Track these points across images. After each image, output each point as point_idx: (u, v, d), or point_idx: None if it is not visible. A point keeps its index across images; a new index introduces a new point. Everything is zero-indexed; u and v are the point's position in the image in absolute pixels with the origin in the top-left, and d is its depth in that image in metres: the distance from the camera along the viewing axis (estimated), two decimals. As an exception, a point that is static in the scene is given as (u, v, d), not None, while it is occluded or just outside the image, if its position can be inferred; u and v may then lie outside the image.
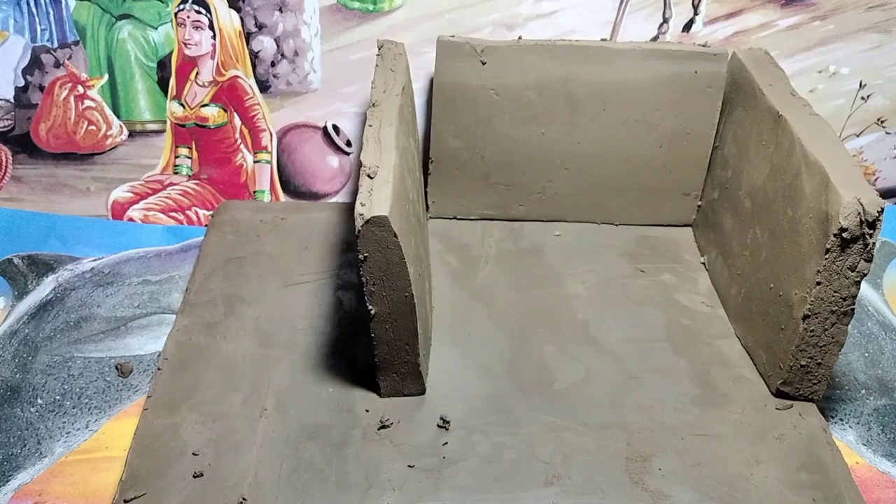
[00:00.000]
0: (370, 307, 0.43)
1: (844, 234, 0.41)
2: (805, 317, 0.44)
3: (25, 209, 0.68)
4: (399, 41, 0.57)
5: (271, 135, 0.66)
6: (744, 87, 0.55)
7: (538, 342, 0.51)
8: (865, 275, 0.42)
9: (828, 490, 0.42)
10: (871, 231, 0.41)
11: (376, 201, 0.40)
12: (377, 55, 0.55)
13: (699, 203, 0.61)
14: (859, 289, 0.43)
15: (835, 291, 0.43)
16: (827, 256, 0.42)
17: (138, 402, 0.51)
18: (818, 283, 0.43)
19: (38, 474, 0.47)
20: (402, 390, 0.47)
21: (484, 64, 0.57)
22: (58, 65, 0.63)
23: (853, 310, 0.43)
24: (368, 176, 0.42)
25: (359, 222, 0.39)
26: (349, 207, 0.66)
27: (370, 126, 0.46)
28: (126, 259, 0.63)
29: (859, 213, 0.40)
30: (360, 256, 0.41)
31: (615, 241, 0.61)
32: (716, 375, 0.49)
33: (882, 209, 0.40)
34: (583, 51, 0.57)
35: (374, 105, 0.48)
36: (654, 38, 0.64)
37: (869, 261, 0.42)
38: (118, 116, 0.65)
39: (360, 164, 0.43)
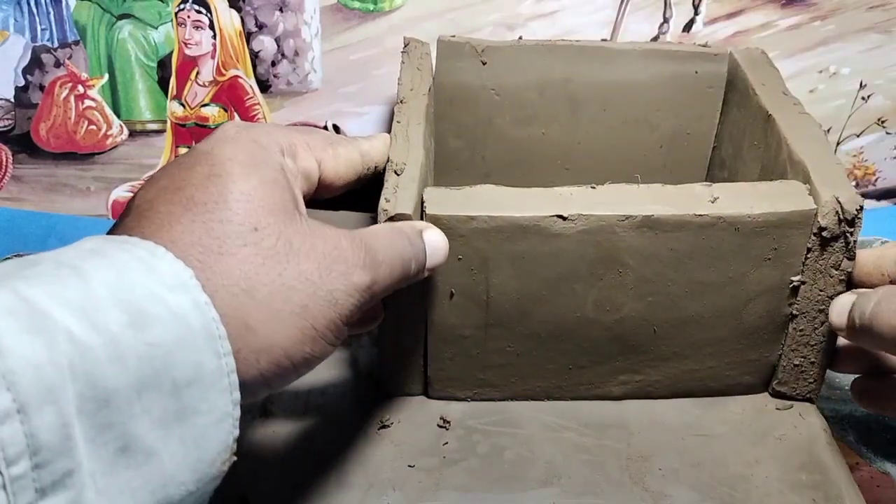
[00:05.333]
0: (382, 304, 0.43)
1: (824, 234, 0.41)
2: (793, 316, 0.44)
3: (25, 209, 0.68)
4: (425, 41, 0.57)
5: (271, 135, 0.66)
6: (739, 86, 0.55)
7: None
8: (850, 273, 0.42)
9: (828, 490, 0.42)
10: (852, 229, 0.41)
11: (402, 199, 0.40)
12: (403, 52, 0.55)
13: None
14: (846, 287, 0.43)
15: (820, 290, 0.43)
16: (809, 255, 0.42)
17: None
18: (803, 283, 0.43)
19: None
20: (402, 389, 0.47)
21: (484, 64, 0.57)
22: (58, 64, 0.63)
23: None
24: (395, 172, 0.42)
25: (382, 217, 0.40)
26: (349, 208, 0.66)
27: (398, 122, 0.46)
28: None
29: (837, 212, 0.40)
30: None
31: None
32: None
33: (861, 207, 0.41)
34: (583, 51, 0.57)
35: (401, 102, 0.49)
36: (655, 38, 0.64)
37: (852, 259, 0.42)
38: (118, 116, 0.65)
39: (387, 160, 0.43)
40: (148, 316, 0.26)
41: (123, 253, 0.27)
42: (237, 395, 0.29)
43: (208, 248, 0.30)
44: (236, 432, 0.29)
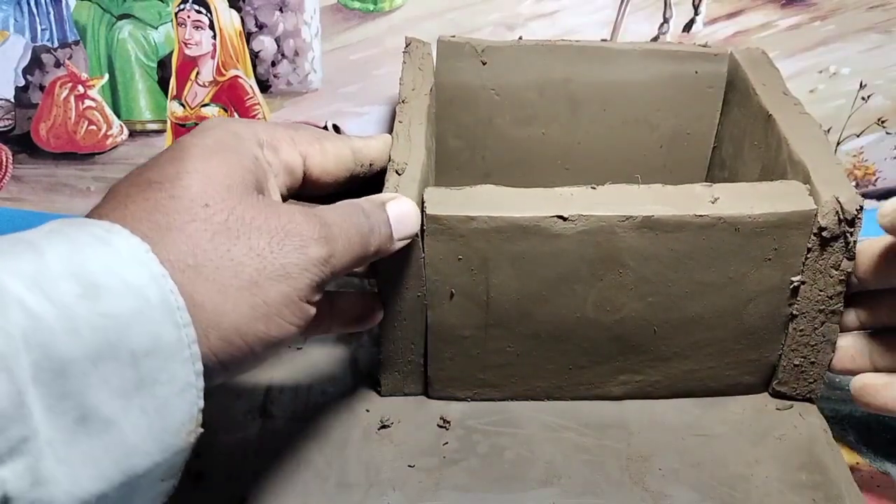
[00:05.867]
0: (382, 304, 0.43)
1: (824, 234, 0.41)
2: (793, 317, 0.44)
3: (25, 209, 0.68)
4: (426, 41, 0.57)
5: (271, 135, 0.66)
6: (739, 86, 0.55)
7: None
8: (850, 273, 0.42)
9: (828, 490, 0.42)
10: (852, 229, 0.41)
11: None
12: (404, 52, 0.55)
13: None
14: (846, 287, 0.43)
15: (820, 290, 0.43)
16: (809, 255, 0.42)
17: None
18: (803, 283, 0.43)
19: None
20: (402, 389, 0.47)
21: (484, 64, 0.57)
22: (58, 64, 0.63)
23: (842, 308, 0.43)
24: (396, 172, 0.42)
25: None
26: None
27: (400, 122, 0.46)
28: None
29: (837, 212, 0.40)
30: None
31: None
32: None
33: (861, 207, 0.41)
34: (583, 51, 0.57)
35: (403, 101, 0.49)
36: (655, 38, 0.64)
37: (851, 259, 0.42)
38: (118, 116, 0.65)
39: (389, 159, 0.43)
40: (102, 287, 0.26)
41: (79, 231, 0.28)
42: (199, 365, 0.28)
43: (157, 224, 0.29)
44: (201, 403, 0.29)
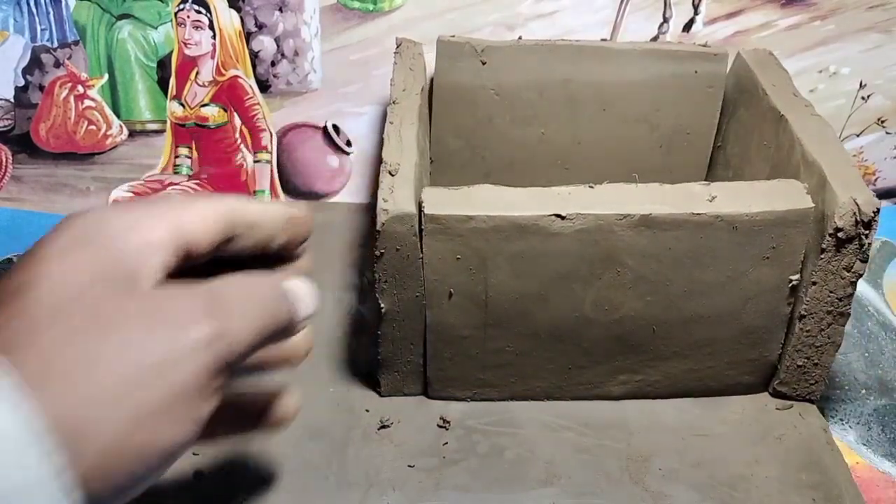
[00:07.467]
0: (381, 304, 0.43)
1: (840, 234, 0.41)
2: (801, 317, 0.44)
3: (25, 209, 0.68)
4: (423, 41, 0.57)
5: (271, 135, 0.66)
6: (747, 87, 0.55)
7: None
8: (861, 275, 0.42)
9: (828, 490, 0.42)
10: (867, 231, 0.41)
11: (399, 199, 0.41)
12: (395, 52, 0.55)
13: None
14: (855, 289, 0.43)
15: (830, 292, 0.43)
16: (822, 256, 0.42)
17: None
18: (814, 283, 0.43)
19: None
20: (402, 389, 0.47)
21: (484, 64, 0.57)
22: (58, 64, 0.63)
23: (849, 310, 0.43)
24: (390, 173, 0.42)
25: (382, 218, 0.40)
26: (349, 208, 0.67)
27: (391, 123, 0.46)
28: (126, 259, 0.63)
29: (854, 213, 0.40)
30: (377, 253, 0.41)
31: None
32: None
33: (878, 210, 0.40)
34: (583, 51, 0.57)
35: (394, 102, 0.49)
36: (654, 38, 0.64)
37: (864, 261, 0.42)
38: (118, 116, 0.65)
39: (380, 161, 0.43)
40: None
41: None
42: (77, 495, 0.24)
43: (9, 341, 0.26)
44: None
